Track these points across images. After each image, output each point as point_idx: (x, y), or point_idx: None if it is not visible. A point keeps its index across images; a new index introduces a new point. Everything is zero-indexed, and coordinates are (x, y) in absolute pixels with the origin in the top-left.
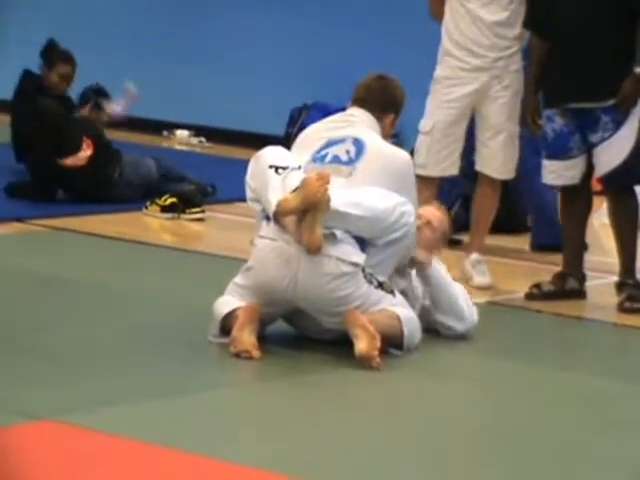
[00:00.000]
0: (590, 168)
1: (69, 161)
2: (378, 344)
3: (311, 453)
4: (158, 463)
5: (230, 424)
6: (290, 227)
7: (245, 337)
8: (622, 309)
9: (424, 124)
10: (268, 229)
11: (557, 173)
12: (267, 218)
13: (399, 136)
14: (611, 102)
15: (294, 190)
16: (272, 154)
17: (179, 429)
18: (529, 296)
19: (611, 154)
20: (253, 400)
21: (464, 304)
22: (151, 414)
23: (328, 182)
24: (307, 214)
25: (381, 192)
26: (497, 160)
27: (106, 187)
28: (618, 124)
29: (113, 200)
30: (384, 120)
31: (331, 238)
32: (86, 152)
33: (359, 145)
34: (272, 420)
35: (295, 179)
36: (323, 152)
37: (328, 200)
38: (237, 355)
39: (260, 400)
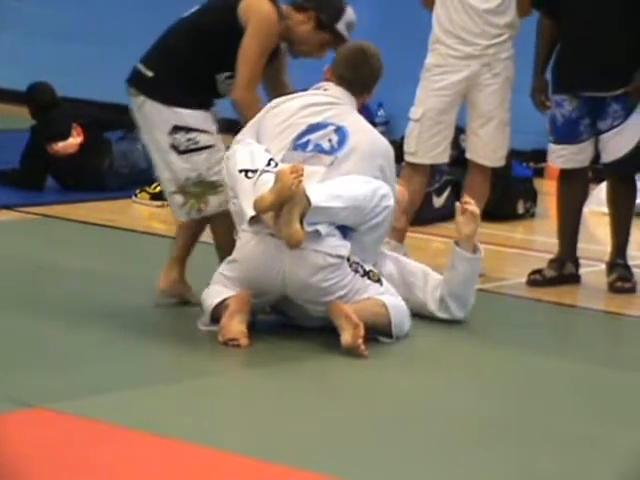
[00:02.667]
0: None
1: (59, 147)
2: (362, 333)
3: (299, 440)
4: (149, 450)
5: (219, 412)
6: (269, 224)
7: (234, 326)
8: (613, 289)
9: (414, 112)
10: (252, 230)
11: (567, 157)
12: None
13: (389, 123)
14: (622, 90)
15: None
16: (242, 156)
17: (169, 417)
18: (532, 282)
19: (619, 142)
20: (242, 388)
21: (472, 297)
22: (141, 402)
23: (302, 175)
24: (283, 209)
25: (358, 179)
26: (488, 148)
27: (96, 177)
28: (628, 112)
29: (103, 189)
30: (365, 95)
31: (315, 236)
32: (76, 139)
33: (342, 134)
34: (260, 408)
35: (265, 184)
36: (304, 139)
37: (303, 193)
38: (225, 343)
39: (248, 388)
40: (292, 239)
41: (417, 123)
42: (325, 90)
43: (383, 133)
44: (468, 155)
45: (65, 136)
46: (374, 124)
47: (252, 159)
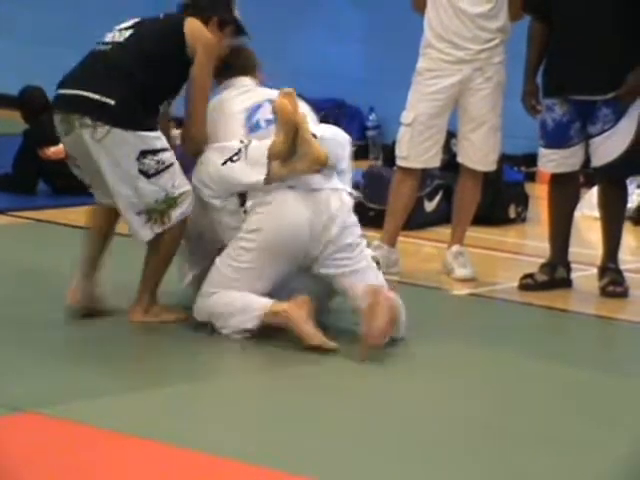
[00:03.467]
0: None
1: (51, 152)
2: (389, 331)
3: (293, 445)
4: (139, 455)
5: (211, 416)
6: (283, 173)
7: (313, 331)
8: (605, 293)
9: (406, 116)
10: (265, 196)
11: (557, 162)
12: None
13: (380, 127)
14: (612, 94)
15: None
16: (215, 154)
17: (160, 421)
18: (523, 287)
19: (609, 147)
20: (236, 392)
21: None
22: (132, 406)
23: (294, 94)
24: (298, 136)
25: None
26: (479, 152)
27: None
28: (618, 116)
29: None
30: (259, 76)
31: (328, 175)
32: None
33: None
34: (254, 412)
35: (255, 150)
36: (253, 120)
37: (304, 114)
38: (316, 348)
39: (242, 391)
40: (320, 158)
41: (409, 127)
42: (232, 85)
43: (375, 137)
44: (459, 159)
45: (57, 141)
46: (366, 128)
47: (225, 149)
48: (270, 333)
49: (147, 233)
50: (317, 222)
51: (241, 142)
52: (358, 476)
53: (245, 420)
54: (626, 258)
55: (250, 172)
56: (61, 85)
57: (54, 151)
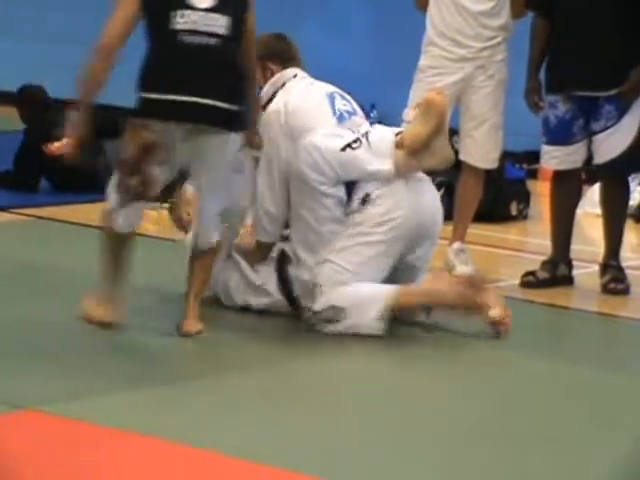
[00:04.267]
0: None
1: (54, 148)
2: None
3: (294, 443)
4: (141, 452)
5: (216, 413)
6: (413, 164)
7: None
8: (607, 290)
9: (408, 113)
10: (382, 186)
11: (560, 158)
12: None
13: (382, 124)
14: (615, 91)
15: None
16: (327, 139)
17: (162, 418)
18: (525, 284)
19: (612, 143)
20: (239, 388)
21: None
22: (133, 403)
23: (445, 95)
24: (442, 132)
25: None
26: (481, 150)
27: (90, 176)
28: (621, 113)
29: (96, 189)
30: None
31: None
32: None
33: (346, 98)
34: (259, 409)
35: (379, 141)
36: (337, 112)
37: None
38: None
39: (247, 388)
40: (450, 157)
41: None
42: (297, 75)
43: None
44: (462, 157)
45: (58, 139)
46: None
47: (338, 136)
48: (270, 331)
49: (218, 232)
50: (432, 209)
51: (353, 132)
52: (358, 475)
53: (247, 417)
54: (628, 255)
55: (375, 160)
56: (168, 89)
57: (58, 147)
